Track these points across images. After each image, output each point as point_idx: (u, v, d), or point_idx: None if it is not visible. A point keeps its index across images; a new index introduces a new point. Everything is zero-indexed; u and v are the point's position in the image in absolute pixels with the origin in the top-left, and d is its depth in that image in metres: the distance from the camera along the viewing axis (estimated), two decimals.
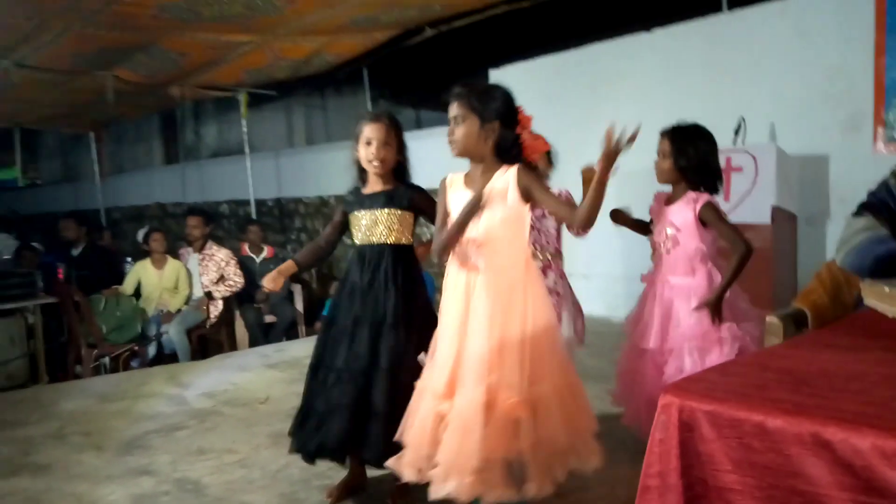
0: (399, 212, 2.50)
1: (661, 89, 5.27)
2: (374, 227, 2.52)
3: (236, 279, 5.69)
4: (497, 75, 6.26)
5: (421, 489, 2.09)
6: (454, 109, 2.06)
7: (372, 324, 2.46)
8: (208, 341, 5.80)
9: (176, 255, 5.83)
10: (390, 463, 2.12)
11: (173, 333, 5.22)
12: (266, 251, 6.25)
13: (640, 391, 2.69)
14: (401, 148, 2.56)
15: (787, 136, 4.56)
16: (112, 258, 6.73)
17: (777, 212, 4.30)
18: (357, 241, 2.57)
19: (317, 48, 6.47)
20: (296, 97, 9.92)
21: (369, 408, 2.39)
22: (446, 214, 2.16)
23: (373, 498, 2.63)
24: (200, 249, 5.75)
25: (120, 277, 5.88)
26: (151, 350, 5.36)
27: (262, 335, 5.91)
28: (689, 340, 2.58)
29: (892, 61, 4.16)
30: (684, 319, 2.62)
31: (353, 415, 2.39)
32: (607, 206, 4.88)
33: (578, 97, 5.75)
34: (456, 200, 2.13)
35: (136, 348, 5.20)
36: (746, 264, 2.54)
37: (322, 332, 2.65)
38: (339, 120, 10.32)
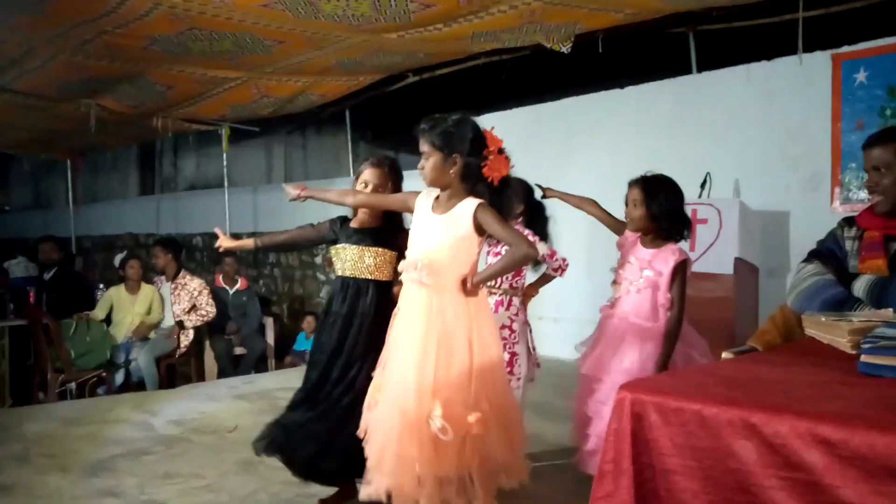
0: (385, 251, 2.62)
1: (632, 143, 5.50)
2: (359, 261, 2.63)
3: (209, 308, 5.71)
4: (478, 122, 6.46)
5: None
6: (421, 145, 2.24)
7: (349, 351, 2.55)
8: (176, 371, 5.77)
9: (150, 283, 5.84)
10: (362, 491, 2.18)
11: (142, 361, 5.20)
12: (240, 283, 6.28)
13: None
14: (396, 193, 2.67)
15: (751, 192, 4.80)
16: (84, 283, 6.70)
17: (739, 263, 4.49)
18: (340, 273, 2.67)
19: (302, 87, 6.62)
20: (276, 134, 10.07)
21: (345, 431, 2.46)
22: (396, 202, 2.44)
23: None
24: (173, 279, 5.77)
25: (91, 303, 5.86)
26: (119, 377, 5.31)
27: (232, 367, 5.89)
28: (629, 377, 2.69)
29: (847, 126, 4.43)
30: (628, 357, 2.72)
31: (330, 437, 2.47)
32: (587, 244, 4.93)
33: (554, 146, 5.96)
34: (420, 217, 2.29)
35: (104, 375, 5.15)
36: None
37: (310, 356, 2.74)
38: (318, 158, 10.48)
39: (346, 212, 2.80)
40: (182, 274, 5.82)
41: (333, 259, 2.72)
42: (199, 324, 5.68)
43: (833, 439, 0.94)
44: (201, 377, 5.76)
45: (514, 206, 3.22)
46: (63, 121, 7.28)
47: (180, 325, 5.64)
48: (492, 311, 2.28)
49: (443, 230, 2.19)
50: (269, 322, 6.34)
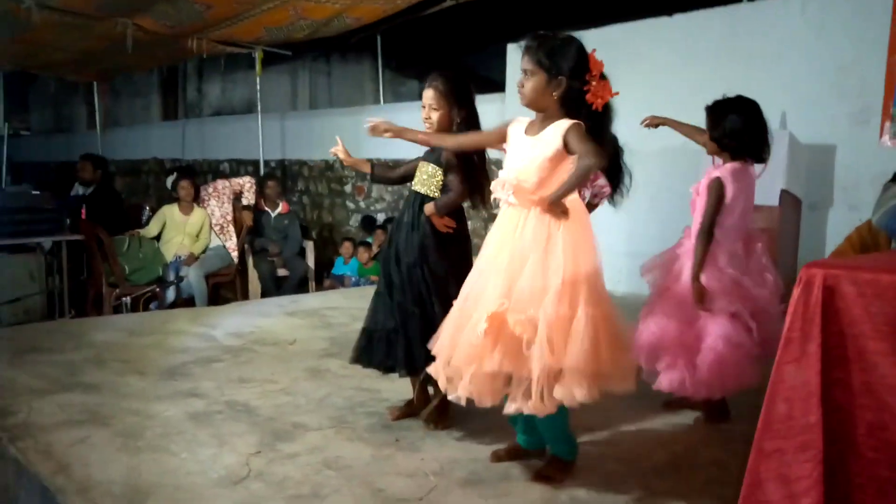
0: (430, 167, 2.72)
1: (679, 73, 5.47)
2: (422, 176, 2.75)
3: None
4: (515, 50, 6.40)
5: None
6: (524, 62, 2.17)
7: (400, 259, 2.70)
8: (220, 290, 5.93)
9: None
10: (430, 370, 2.31)
11: (193, 277, 5.35)
12: (281, 206, 6.38)
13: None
14: (458, 108, 2.68)
15: (798, 124, 4.80)
16: (121, 202, 6.82)
17: (785, 195, 4.54)
18: (411, 186, 2.78)
19: (339, 9, 6.54)
20: (301, 60, 9.98)
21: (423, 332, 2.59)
22: (493, 136, 2.37)
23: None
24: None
25: (127, 221, 6.00)
26: (170, 294, 5.48)
27: (275, 287, 6.05)
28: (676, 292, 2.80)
29: None
30: (681, 275, 2.81)
31: (408, 338, 2.63)
32: (654, 181, 4.78)
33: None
34: (513, 141, 2.29)
35: (157, 290, 5.31)
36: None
37: (381, 264, 2.86)
38: (342, 86, 10.42)
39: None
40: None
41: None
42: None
43: None
44: (245, 297, 5.93)
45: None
46: (98, 40, 7.23)
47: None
48: (588, 222, 2.29)
49: (532, 150, 2.19)
50: (309, 245, 6.47)
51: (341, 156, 2.88)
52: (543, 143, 2.17)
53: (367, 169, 2.93)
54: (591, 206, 3.43)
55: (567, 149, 2.13)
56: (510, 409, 2.16)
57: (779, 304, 2.75)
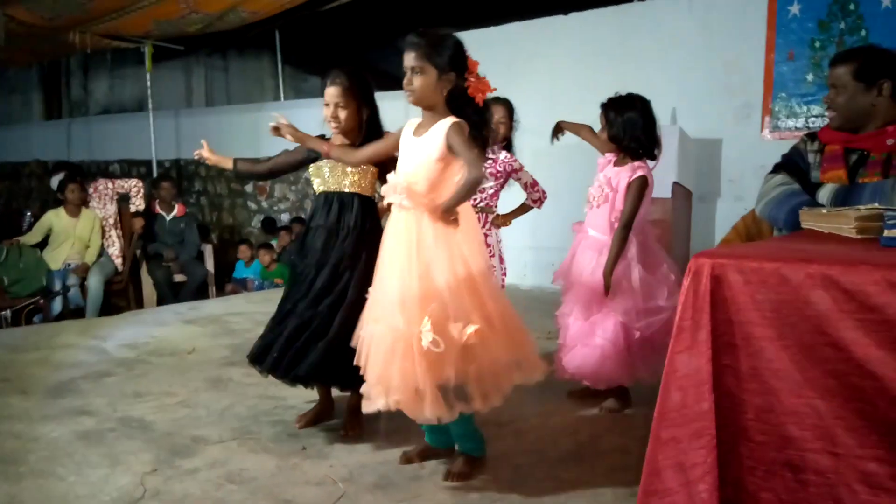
0: (364, 167, 2.61)
1: (575, 70, 5.62)
2: (337, 176, 2.63)
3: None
4: None
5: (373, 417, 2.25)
6: (411, 60, 2.12)
7: (335, 264, 2.59)
8: (112, 299, 5.61)
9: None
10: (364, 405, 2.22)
11: (92, 285, 5.02)
12: (177, 209, 6.09)
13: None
14: (364, 106, 2.61)
15: (687, 119, 5.03)
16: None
17: (676, 187, 4.75)
18: (323, 189, 2.68)
19: (233, 3, 6.33)
20: (196, 55, 9.59)
21: (331, 340, 2.52)
22: (391, 143, 2.31)
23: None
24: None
25: (5, 229, 5.58)
26: (56, 305, 5.12)
27: (172, 294, 5.78)
28: (584, 288, 2.88)
29: (780, 58, 4.70)
30: (585, 268, 2.90)
31: (319, 347, 2.53)
32: (555, 177, 4.95)
33: (494, 73, 5.89)
34: (403, 142, 2.26)
35: (41, 302, 4.95)
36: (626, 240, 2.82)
37: (290, 270, 2.75)
38: (241, 82, 10.08)
39: (325, 130, 2.75)
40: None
41: (313, 177, 2.70)
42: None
43: None
44: (140, 305, 5.63)
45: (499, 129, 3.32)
46: None
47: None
48: (477, 225, 2.30)
49: (420, 151, 2.16)
50: (208, 249, 6.22)
51: (206, 155, 2.73)
52: (429, 144, 2.15)
53: (229, 165, 2.76)
54: (524, 208, 3.50)
55: (450, 149, 2.11)
56: (450, 415, 2.13)
57: (675, 293, 2.86)
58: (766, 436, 1.21)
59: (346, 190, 2.64)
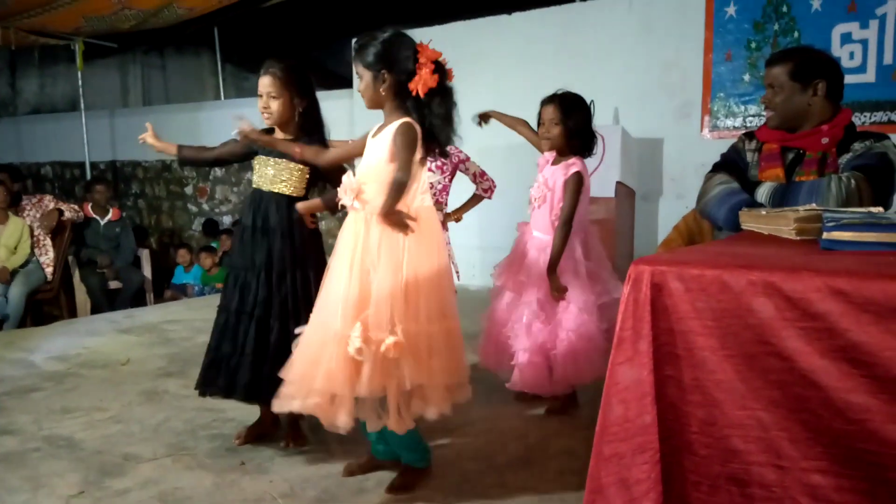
0: (291, 164, 2.50)
1: (519, 69, 5.61)
2: (267, 173, 2.54)
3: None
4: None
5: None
6: (355, 66, 2.15)
7: (264, 269, 2.49)
8: (43, 307, 5.35)
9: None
10: (274, 403, 2.15)
11: (13, 295, 4.76)
12: (111, 213, 5.84)
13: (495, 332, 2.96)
14: (298, 97, 2.52)
15: (629, 119, 5.07)
16: None
17: (620, 187, 4.78)
18: (254, 184, 2.58)
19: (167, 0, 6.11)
20: (132, 53, 9.27)
21: (267, 352, 2.43)
22: (359, 147, 2.24)
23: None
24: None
25: None
26: None
27: (107, 302, 5.55)
28: (530, 288, 2.86)
29: (718, 58, 4.78)
30: (532, 270, 2.87)
31: (255, 360, 2.43)
32: (502, 176, 4.89)
33: None
34: (367, 145, 2.21)
35: None
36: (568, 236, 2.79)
37: (226, 275, 2.64)
38: (180, 81, 9.78)
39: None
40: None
41: (256, 167, 2.60)
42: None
43: (847, 289, 1.10)
44: (73, 314, 5.38)
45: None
46: None
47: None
48: (438, 234, 2.23)
49: (373, 154, 2.13)
50: (144, 254, 5.99)
51: (150, 141, 2.64)
52: (380, 146, 2.11)
53: (173, 151, 2.67)
54: (476, 199, 3.47)
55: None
56: (371, 426, 2.10)
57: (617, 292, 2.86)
58: (710, 449, 1.18)
59: (273, 189, 2.53)
